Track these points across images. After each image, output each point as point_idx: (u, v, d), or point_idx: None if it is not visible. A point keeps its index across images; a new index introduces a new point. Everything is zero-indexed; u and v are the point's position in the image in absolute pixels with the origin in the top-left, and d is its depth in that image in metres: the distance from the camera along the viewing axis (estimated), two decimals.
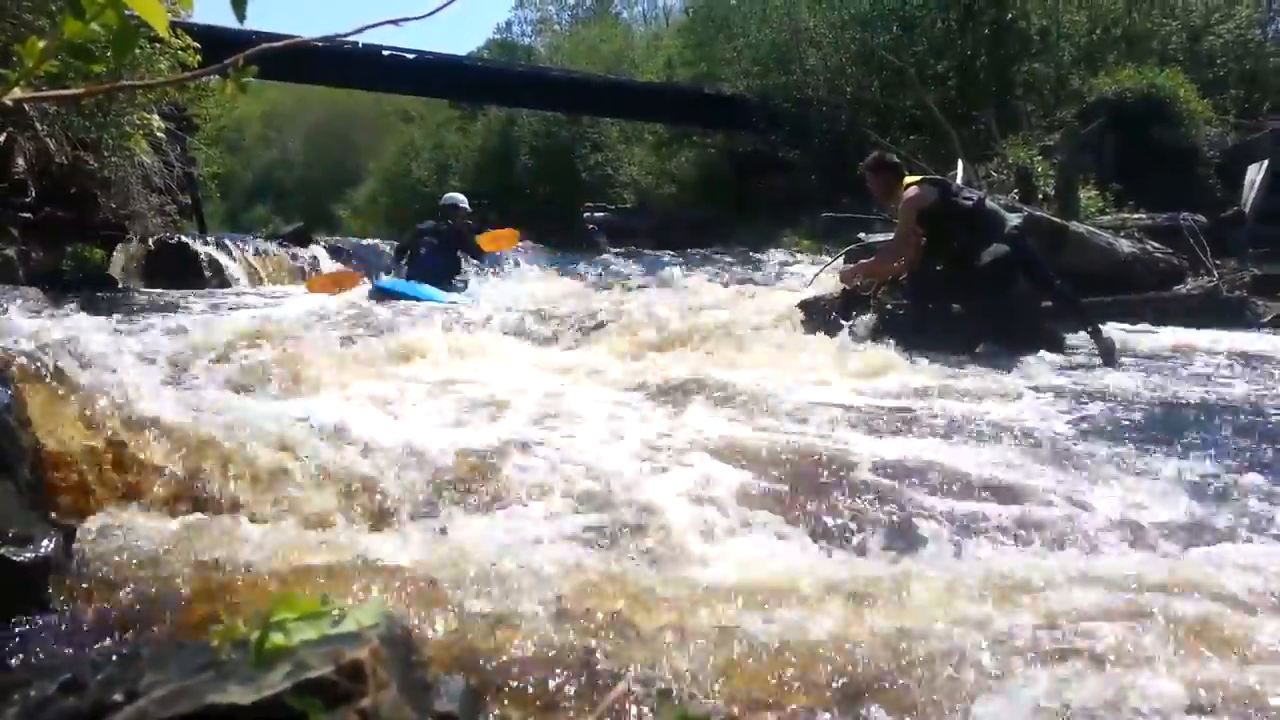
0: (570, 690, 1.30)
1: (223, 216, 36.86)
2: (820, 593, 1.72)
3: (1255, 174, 11.97)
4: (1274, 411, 4.04)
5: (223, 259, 10.89)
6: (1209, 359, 5.70)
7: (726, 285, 9.21)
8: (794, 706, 1.34)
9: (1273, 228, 10.53)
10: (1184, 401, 4.28)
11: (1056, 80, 18.26)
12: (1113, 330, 6.14)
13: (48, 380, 2.40)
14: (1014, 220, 6.27)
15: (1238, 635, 1.55)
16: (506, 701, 1.29)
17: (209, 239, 11.88)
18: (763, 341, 5.75)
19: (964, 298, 6.08)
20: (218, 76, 1.93)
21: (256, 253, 11.65)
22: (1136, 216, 10.02)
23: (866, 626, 1.62)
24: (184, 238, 11.23)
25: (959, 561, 2.06)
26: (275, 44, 2.35)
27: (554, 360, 5.01)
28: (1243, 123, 15.45)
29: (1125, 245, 8.22)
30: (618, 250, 16.70)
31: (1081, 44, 18.92)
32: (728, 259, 15.07)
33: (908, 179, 6.15)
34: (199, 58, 8.52)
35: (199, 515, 2.05)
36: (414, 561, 1.76)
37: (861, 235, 10.41)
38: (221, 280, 10.59)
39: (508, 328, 6.11)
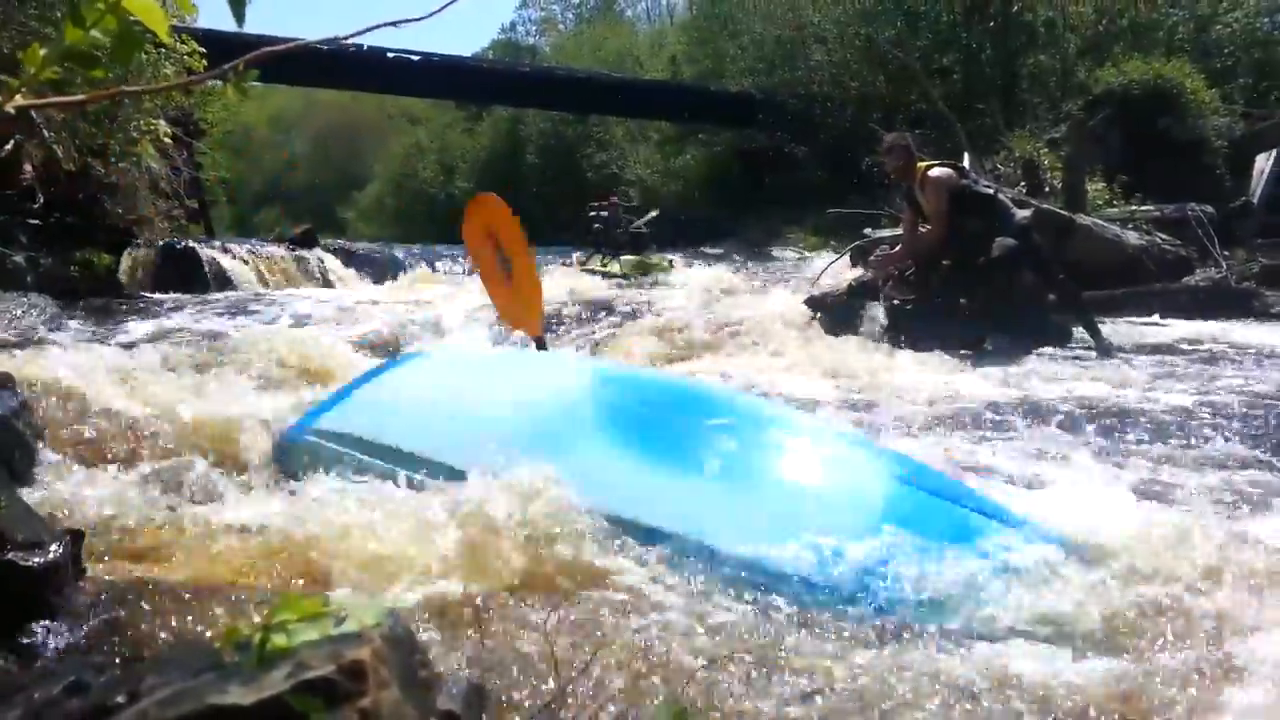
0: (573, 689, 1.30)
1: (230, 221, 36.99)
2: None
3: (1264, 163, 11.88)
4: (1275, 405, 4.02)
5: (229, 263, 10.93)
6: (1216, 351, 5.68)
7: (732, 282, 9.21)
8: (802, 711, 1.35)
9: None
10: (1185, 394, 4.26)
11: (1062, 72, 18.18)
12: (1120, 323, 6.13)
13: None
14: (1023, 213, 6.28)
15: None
16: (509, 701, 1.30)
17: (215, 243, 11.92)
18: (769, 339, 5.76)
19: (971, 292, 6.07)
20: (219, 80, 1.93)
21: (263, 257, 11.67)
22: (1144, 208, 9.97)
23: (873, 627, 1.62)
24: (191, 242, 11.27)
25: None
26: (276, 48, 2.35)
27: None
28: (1251, 112, 15.34)
29: (1133, 237, 8.18)
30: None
31: (1087, 35, 18.84)
32: (734, 256, 15.08)
33: (922, 163, 6.17)
34: (204, 62, 8.54)
35: (204, 510, 2.06)
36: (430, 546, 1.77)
37: (868, 230, 10.41)
38: (228, 285, 10.62)
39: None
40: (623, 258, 11.74)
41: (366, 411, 2.41)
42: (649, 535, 1.87)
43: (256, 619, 1.16)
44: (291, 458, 2.35)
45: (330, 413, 2.45)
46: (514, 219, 3.38)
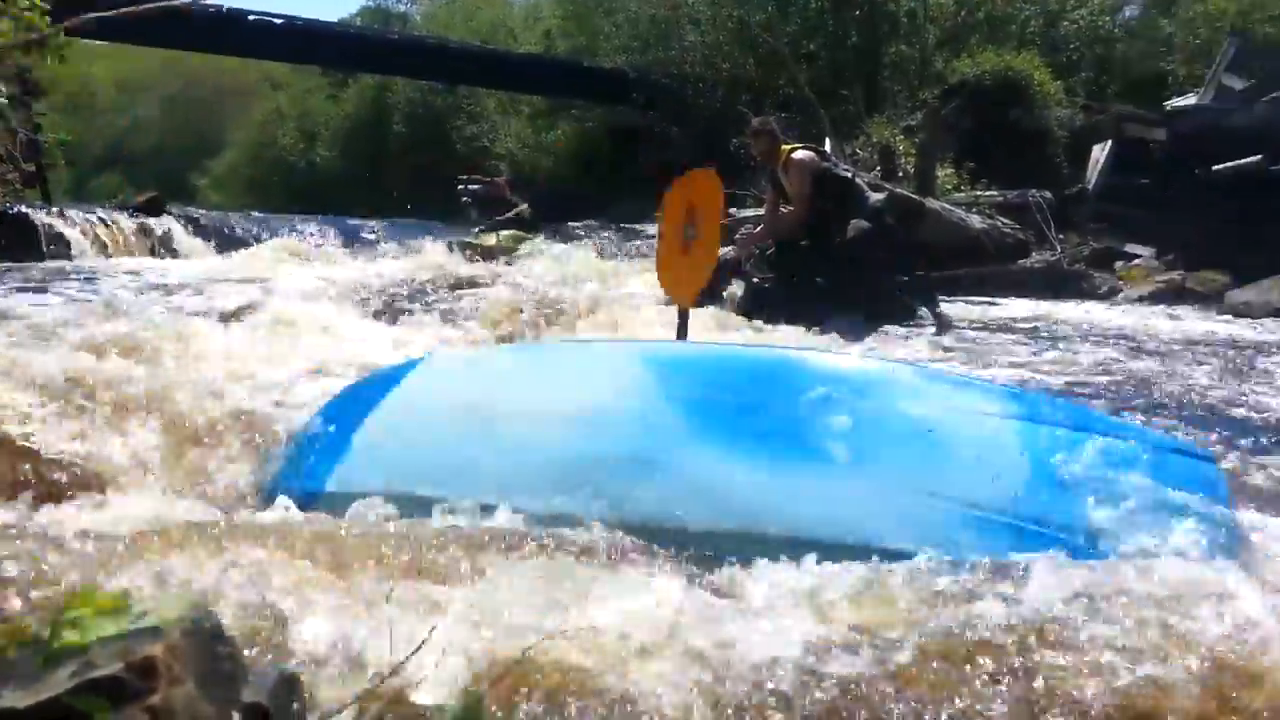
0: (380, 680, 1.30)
1: (69, 184, 34.66)
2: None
3: (1099, 153, 12.65)
4: (1093, 376, 4.33)
5: (66, 230, 10.30)
6: (1046, 328, 6.07)
7: (598, 259, 9.23)
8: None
9: (1113, 205, 11.17)
10: (1016, 367, 4.56)
11: (921, 62, 18.84)
12: (960, 301, 6.44)
13: None
14: (877, 197, 6.54)
15: None
16: (321, 689, 1.28)
17: (52, 209, 11.20)
18: (631, 313, 5.81)
19: (827, 272, 6.28)
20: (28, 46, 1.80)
21: (104, 223, 11.02)
22: (989, 194, 10.51)
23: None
24: (24, 208, 10.58)
25: None
26: (108, 12, 2.20)
27: (412, 338, 4.91)
28: (1090, 105, 16.28)
29: (976, 221, 8.62)
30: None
31: (946, 26, 19.57)
32: (604, 233, 15.08)
33: (786, 146, 6.33)
34: (47, 18, 7.92)
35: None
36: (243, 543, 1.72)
37: (733, 210, 10.58)
38: (65, 254, 10.01)
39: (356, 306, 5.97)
40: (501, 233, 11.55)
41: (386, 455, 2.01)
42: (786, 547, 1.69)
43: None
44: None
45: (342, 463, 2.02)
46: (721, 199, 3.43)
